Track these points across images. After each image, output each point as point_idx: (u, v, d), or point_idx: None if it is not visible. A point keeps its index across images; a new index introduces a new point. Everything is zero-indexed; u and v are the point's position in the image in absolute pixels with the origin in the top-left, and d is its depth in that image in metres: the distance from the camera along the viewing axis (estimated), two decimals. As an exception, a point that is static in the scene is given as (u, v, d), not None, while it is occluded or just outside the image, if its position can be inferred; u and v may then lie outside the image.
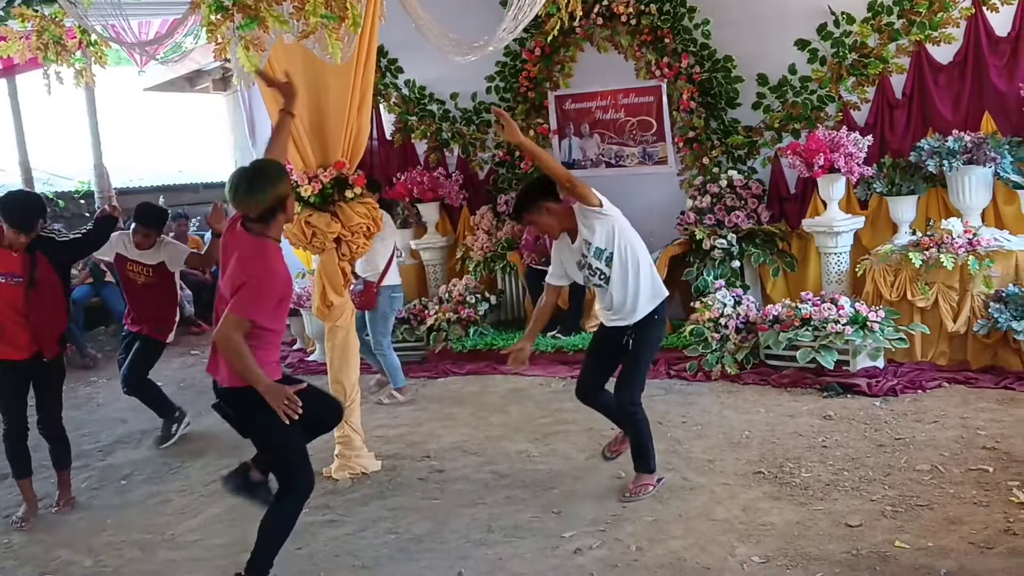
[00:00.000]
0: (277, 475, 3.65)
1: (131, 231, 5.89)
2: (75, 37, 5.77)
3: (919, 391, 5.68)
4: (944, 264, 5.85)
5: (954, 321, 5.97)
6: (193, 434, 6.18)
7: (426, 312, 7.72)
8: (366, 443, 5.19)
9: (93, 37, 5.60)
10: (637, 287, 4.25)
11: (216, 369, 3.55)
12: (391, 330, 6.65)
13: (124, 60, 9.05)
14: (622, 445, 4.67)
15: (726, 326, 6.45)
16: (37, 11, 5.63)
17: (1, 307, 4.61)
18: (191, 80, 11.44)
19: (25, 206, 4.74)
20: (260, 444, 3.65)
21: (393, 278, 6.47)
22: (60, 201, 11.59)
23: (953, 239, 5.95)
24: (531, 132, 8.34)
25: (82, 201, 11.56)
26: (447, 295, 7.88)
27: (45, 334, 4.71)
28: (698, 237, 7.18)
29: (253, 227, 3.46)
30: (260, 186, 3.40)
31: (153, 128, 15.07)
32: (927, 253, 5.97)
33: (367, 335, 6.44)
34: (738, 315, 6.49)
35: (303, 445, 3.67)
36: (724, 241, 7.08)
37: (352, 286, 6.05)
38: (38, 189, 10.96)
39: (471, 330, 7.64)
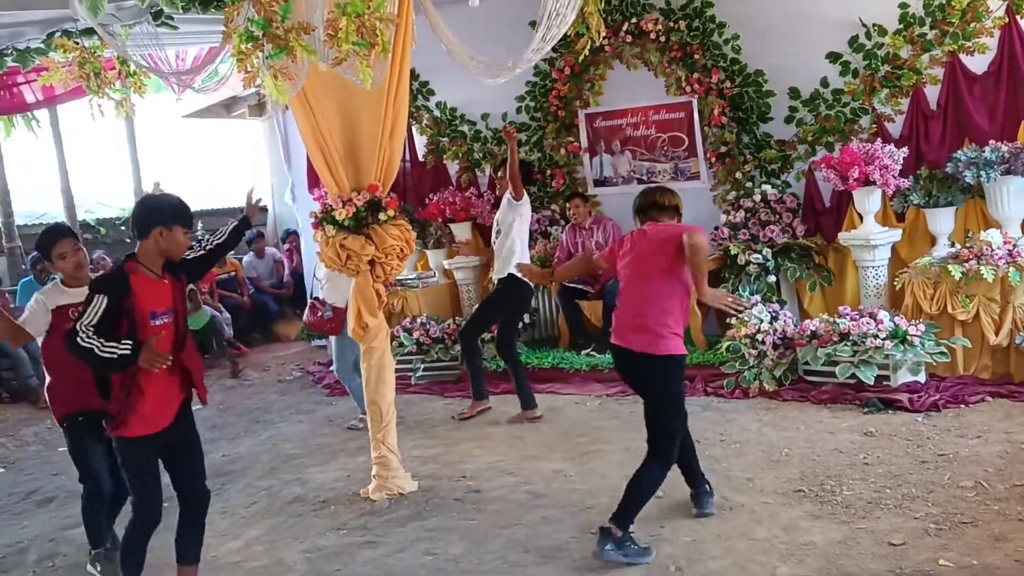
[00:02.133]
0: (656, 438, 4.07)
1: (53, 267, 4.36)
2: (114, 68, 5.91)
3: (962, 406, 5.59)
4: (984, 276, 5.76)
5: (996, 334, 5.87)
6: (233, 456, 6.25)
7: (460, 332, 7.74)
8: (403, 464, 5.21)
9: (132, 67, 5.73)
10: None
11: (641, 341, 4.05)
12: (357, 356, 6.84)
13: (163, 88, 9.24)
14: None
15: (763, 342, 6.38)
16: (78, 43, 5.78)
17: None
18: (227, 107, 11.66)
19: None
20: (660, 404, 4.08)
21: None
22: (101, 228, 11.83)
23: (993, 251, 5.87)
24: (562, 151, 8.38)
25: (123, 228, 11.78)
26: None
27: (200, 378, 3.82)
28: (733, 252, 7.14)
29: (661, 218, 4.24)
30: (673, 194, 4.37)
31: (191, 154, 15.34)
32: (967, 265, 5.89)
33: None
34: (775, 331, 6.42)
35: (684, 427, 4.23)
36: (759, 256, 7.03)
37: (321, 313, 6.38)
38: (80, 216, 11.20)
39: (506, 349, 7.63)
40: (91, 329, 3.37)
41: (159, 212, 3.65)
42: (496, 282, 6.33)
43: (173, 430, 3.69)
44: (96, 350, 3.37)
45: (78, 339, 3.38)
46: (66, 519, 5.20)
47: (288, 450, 6.25)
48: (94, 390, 3.75)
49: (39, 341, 4.23)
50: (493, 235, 6.48)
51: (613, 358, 4.33)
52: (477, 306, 6.58)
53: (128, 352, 3.39)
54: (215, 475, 5.83)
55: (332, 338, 6.73)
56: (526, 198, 6.33)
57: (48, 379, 4.28)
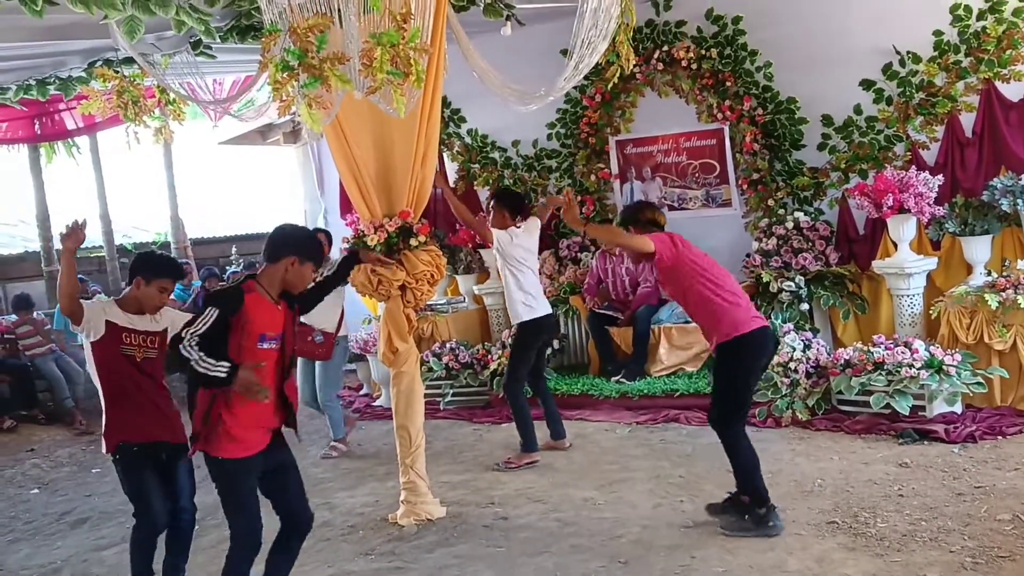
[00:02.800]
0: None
1: (137, 288, 4.08)
2: (154, 96, 6.04)
3: (999, 437, 5.48)
4: (1022, 305, 5.68)
5: (1034, 364, 5.77)
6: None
7: (489, 357, 7.74)
8: (431, 489, 5.21)
9: (171, 96, 5.85)
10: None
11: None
12: (339, 382, 6.93)
13: (200, 115, 9.44)
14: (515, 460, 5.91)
15: (796, 370, 6.32)
16: (118, 72, 5.92)
17: (264, 381, 3.54)
18: (263, 133, 11.81)
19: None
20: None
21: (344, 328, 6.47)
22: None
23: (1031, 280, 5.78)
24: (593, 177, 8.41)
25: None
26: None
27: (294, 408, 3.77)
28: (765, 280, 7.09)
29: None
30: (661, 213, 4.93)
31: (227, 180, 15.58)
32: (1004, 294, 5.80)
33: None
34: (808, 359, 6.35)
35: None
36: (792, 283, 6.98)
37: (311, 337, 6.06)
38: (117, 241, 11.38)
39: (535, 375, 7.63)
40: (196, 339, 3.36)
41: (298, 243, 3.69)
42: (514, 327, 6.20)
43: (268, 455, 3.62)
44: (194, 363, 3.35)
45: (180, 346, 3.38)
46: (99, 540, 5.24)
47: (317, 474, 6.27)
48: (153, 419, 3.82)
49: (90, 362, 4.06)
50: None
51: (762, 341, 4.45)
52: (509, 355, 6.37)
53: (223, 375, 3.35)
54: (245, 498, 5.88)
55: (319, 364, 6.55)
56: (496, 235, 5.95)
57: (105, 408, 4.07)
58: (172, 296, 7.84)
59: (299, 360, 6.44)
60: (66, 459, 7.46)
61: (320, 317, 6.30)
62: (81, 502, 6.17)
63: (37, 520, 5.90)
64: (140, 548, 4.14)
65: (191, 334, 3.37)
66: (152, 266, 4.11)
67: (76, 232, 4.00)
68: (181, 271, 4.32)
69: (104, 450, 4.12)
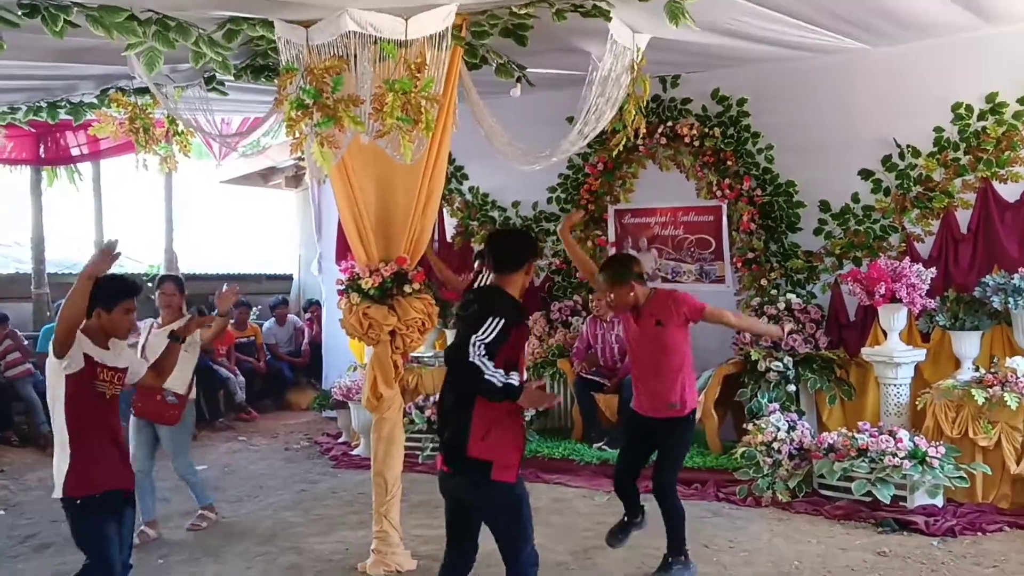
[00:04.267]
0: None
1: (99, 319, 3.84)
2: (163, 126, 6.11)
3: (979, 533, 5.44)
4: (1008, 403, 5.68)
5: (1017, 463, 5.74)
6: (231, 520, 6.16)
7: (473, 414, 7.68)
8: (403, 540, 5.12)
9: (180, 127, 5.91)
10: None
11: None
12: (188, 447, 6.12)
13: (204, 154, 9.51)
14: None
15: (779, 451, 6.28)
16: (131, 101, 5.98)
17: None
18: (265, 176, 11.92)
19: None
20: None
21: (193, 391, 5.93)
22: (128, 282, 11.99)
23: (1017, 378, 5.79)
24: (589, 243, 8.46)
25: (149, 284, 11.92)
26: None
27: None
28: (753, 358, 7.09)
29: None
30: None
31: (225, 219, 15.64)
32: (990, 391, 5.80)
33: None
34: (792, 440, 6.32)
35: None
36: (780, 364, 6.98)
37: (161, 397, 5.54)
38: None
39: (517, 436, 7.57)
40: (483, 348, 3.14)
41: (534, 245, 3.60)
42: None
43: None
44: (484, 372, 3.12)
45: (470, 354, 3.14)
46: (61, 566, 5.12)
47: (288, 518, 6.17)
48: (115, 462, 3.68)
49: (53, 396, 3.78)
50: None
51: None
52: None
53: (516, 385, 3.16)
54: (213, 538, 5.76)
55: (165, 430, 5.72)
56: None
57: (69, 456, 3.75)
58: None
59: (134, 423, 5.79)
60: (35, 483, 7.32)
61: (176, 375, 5.35)
62: (46, 527, 6.03)
63: (1, 543, 5.77)
64: None
65: (479, 342, 3.15)
66: (107, 293, 3.80)
67: (107, 256, 3.67)
68: (137, 287, 3.99)
69: (61, 493, 3.74)
